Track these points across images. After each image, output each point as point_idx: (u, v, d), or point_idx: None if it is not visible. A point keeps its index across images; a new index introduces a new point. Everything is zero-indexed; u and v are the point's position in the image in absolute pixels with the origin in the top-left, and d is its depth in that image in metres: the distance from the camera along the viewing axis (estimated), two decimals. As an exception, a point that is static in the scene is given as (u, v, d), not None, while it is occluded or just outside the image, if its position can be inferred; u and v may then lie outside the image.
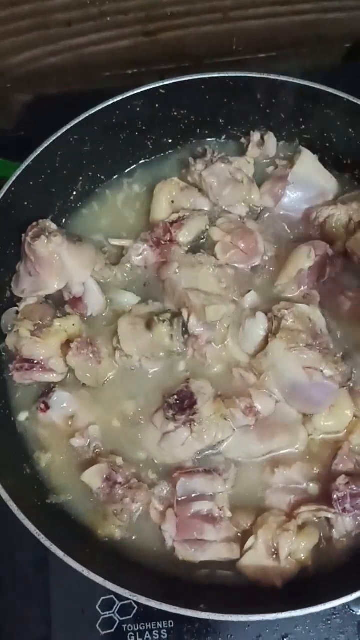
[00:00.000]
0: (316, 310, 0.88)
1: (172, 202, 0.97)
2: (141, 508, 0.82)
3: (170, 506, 0.81)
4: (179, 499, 0.81)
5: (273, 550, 0.78)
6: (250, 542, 0.79)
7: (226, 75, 0.97)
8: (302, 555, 0.78)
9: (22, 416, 0.90)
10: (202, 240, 0.97)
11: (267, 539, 0.78)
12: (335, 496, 0.79)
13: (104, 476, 0.82)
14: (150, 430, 0.85)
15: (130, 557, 0.81)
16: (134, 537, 0.82)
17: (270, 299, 0.91)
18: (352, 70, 1.33)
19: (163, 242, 0.94)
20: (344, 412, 0.85)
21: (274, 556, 0.78)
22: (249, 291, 0.92)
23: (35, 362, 0.87)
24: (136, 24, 1.19)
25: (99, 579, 0.71)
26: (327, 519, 0.80)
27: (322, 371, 0.83)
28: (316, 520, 0.81)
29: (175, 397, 0.84)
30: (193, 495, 0.81)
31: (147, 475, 0.85)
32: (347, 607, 0.85)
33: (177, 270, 0.91)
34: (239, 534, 0.81)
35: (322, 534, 0.80)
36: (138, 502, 0.81)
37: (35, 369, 0.87)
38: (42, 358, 0.87)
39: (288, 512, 0.81)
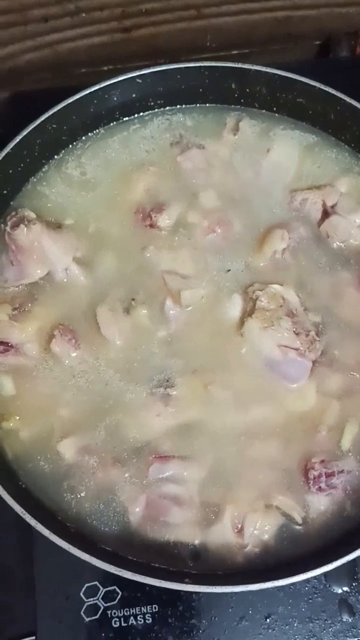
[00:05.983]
0: (289, 290, 0.90)
1: (148, 189, 0.98)
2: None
3: (142, 490, 0.81)
4: (150, 481, 0.81)
5: (238, 526, 0.79)
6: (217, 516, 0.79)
7: (202, 65, 1.00)
8: (266, 535, 0.79)
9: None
10: (180, 223, 0.97)
11: (234, 515, 0.79)
12: (310, 475, 0.80)
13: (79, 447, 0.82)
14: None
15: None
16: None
17: (247, 280, 0.93)
18: (323, 65, 1.36)
19: (143, 227, 0.95)
20: (312, 390, 0.86)
21: (238, 532, 0.79)
22: (227, 271, 0.93)
23: (10, 345, 0.88)
24: (112, 20, 1.21)
25: (85, 556, 0.71)
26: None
27: (296, 349, 0.85)
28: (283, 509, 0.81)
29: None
30: (164, 476, 0.81)
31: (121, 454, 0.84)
32: (327, 585, 0.87)
33: (155, 252, 0.93)
34: (204, 519, 0.80)
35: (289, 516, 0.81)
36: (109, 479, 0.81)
37: (10, 352, 0.88)
38: (17, 342, 0.88)
39: (260, 489, 0.81)
